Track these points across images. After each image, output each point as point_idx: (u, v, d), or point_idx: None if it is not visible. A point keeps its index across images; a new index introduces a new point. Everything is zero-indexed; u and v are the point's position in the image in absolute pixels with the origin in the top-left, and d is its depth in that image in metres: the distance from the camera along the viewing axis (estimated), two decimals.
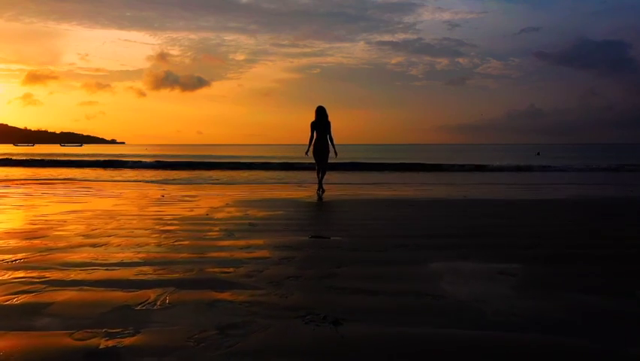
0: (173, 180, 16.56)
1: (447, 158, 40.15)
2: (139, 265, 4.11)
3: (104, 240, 5.24)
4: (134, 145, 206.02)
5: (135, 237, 5.46)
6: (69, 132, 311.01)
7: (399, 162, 27.11)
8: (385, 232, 5.96)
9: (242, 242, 5.21)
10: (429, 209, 8.47)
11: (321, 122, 10.92)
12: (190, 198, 10.23)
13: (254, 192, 11.90)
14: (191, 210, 8.05)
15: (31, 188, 12.84)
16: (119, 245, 4.98)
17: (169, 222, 6.70)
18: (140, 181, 16.13)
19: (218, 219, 7.02)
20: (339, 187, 12.83)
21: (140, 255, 4.54)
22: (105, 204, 9.03)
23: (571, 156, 45.59)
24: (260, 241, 5.23)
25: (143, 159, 31.99)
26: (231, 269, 3.99)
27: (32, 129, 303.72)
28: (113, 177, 18.30)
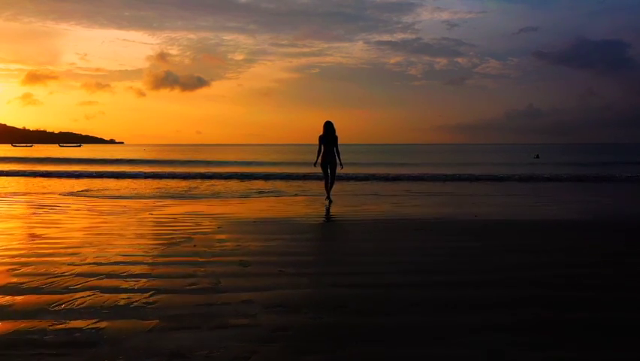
0: (165, 191, 15.78)
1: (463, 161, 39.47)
2: (93, 345, 3.30)
3: (65, 296, 4.41)
4: (133, 145, 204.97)
5: (103, 289, 4.64)
6: (68, 132, 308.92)
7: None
8: (394, 276, 5.16)
9: (228, 296, 4.42)
10: (439, 236, 7.65)
11: (328, 137, 11.65)
12: (181, 218, 9.48)
13: (250, 209, 11.11)
14: (177, 238, 7.27)
15: (9, 203, 12.05)
16: (81, 305, 4.17)
17: (148, 259, 5.93)
18: (128, 198, 15.39)
19: (205, 254, 6.25)
20: (343, 198, 11.99)
21: (102, 323, 3.73)
22: (82, 227, 8.19)
23: (573, 158, 44.63)
24: (249, 295, 4.44)
25: (136, 168, 31.25)
26: (209, 353, 3.18)
27: (31, 129, 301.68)
28: (97, 189, 17.55)
